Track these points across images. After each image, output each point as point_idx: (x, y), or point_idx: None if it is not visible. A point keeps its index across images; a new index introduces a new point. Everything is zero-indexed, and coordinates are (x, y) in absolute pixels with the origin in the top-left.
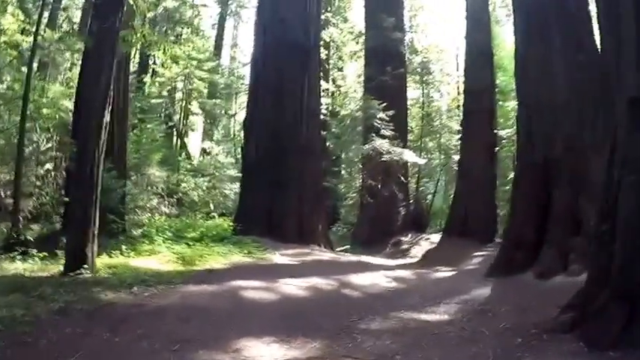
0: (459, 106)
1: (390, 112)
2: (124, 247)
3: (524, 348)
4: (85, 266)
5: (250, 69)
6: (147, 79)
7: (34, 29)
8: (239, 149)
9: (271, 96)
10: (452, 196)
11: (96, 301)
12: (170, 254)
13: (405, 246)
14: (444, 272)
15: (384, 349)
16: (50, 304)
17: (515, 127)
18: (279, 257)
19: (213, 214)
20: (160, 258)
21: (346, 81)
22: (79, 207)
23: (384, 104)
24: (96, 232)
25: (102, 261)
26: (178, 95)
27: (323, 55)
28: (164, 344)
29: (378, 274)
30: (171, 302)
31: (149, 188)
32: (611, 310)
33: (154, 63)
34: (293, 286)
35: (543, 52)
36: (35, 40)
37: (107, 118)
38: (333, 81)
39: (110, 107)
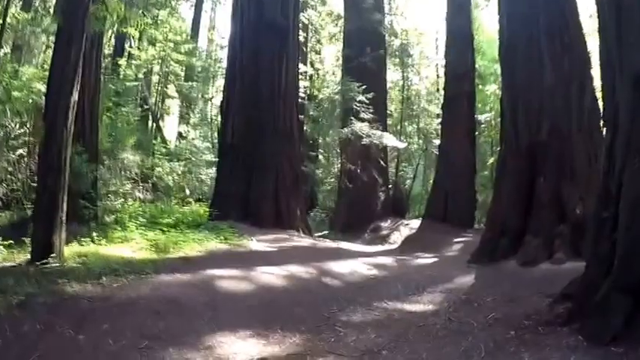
0: (438, 89)
1: (370, 95)
2: (95, 234)
3: (518, 342)
4: (53, 255)
5: (228, 51)
6: (122, 61)
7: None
8: (216, 134)
9: (248, 78)
10: (431, 181)
11: (60, 293)
12: (143, 241)
13: (384, 232)
14: (425, 259)
15: (369, 344)
16: (10, 298)
17: (494, 112)
18: (256, 243)
19: (189, 199)
20: (132, 245)
21: (324, 64)
22: (45, 192)
23: (364, 87)
24: (64, 219)
25: (71, 249)
26: (155, 78)
27: (301, 38)
28: (132, 341)
29: (358, 262)
30: (141, 294)
31: (123, 173)
32: (612, 302)
33: (130, 46)
34: (271, 275)
35: (529, 35)
36: (4, 21)
37: (75, 97)
38: (311, 64)
39: (79, 86)
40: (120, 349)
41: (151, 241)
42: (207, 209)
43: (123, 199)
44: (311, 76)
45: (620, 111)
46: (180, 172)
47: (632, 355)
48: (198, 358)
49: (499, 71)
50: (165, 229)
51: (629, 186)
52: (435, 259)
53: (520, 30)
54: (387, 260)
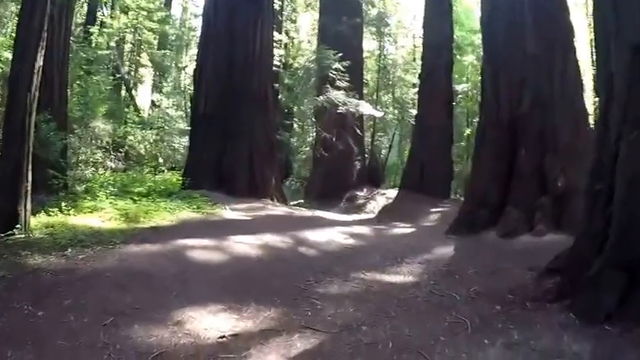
0: (415, 59)
1: (346, 63)
2: (64, 204)
3: (504, 317)
4: (18, 226)
5: (202, 17)
6: (94, 29)
7: None
8: (189, 102)
9: (222, 44)
10: (407, 151)
11: (22, 266)
12: (113, 211)
13: (360, 201)
14: (402, 228)
15: (348, 319)
16: None
17: (471, 83)
18: (229, 212)
19: (162, 168)
20: (102, 215)
21: (300, 33)
22: (9, 160)
23: (340, 55)
24: (29, 188)
25: (38, 220)
26: (128, 47)
27: (276, 6)
28: (95, 317)
29: (335, 231)
30: (107, 266)
31: (94, 142)
32: (606, 279)
33: (102, 14)
34: (244, 245)
35: (511, 3)
36: None
37: (40, 62)
38: (287, 33)
39: (44, 52)
40: (81, 327)
41: (121, 211)
42: (181, 178)
43: (94, 169)
44: (286, 45)
45: (615, 80)
46: (152, 141)
47: (627, 335)
48: (166, 335)
49: (477, 42)
50: (136, 198)
51: (627, 157)
52: (413, 229)
53: None
54: (364, 229)
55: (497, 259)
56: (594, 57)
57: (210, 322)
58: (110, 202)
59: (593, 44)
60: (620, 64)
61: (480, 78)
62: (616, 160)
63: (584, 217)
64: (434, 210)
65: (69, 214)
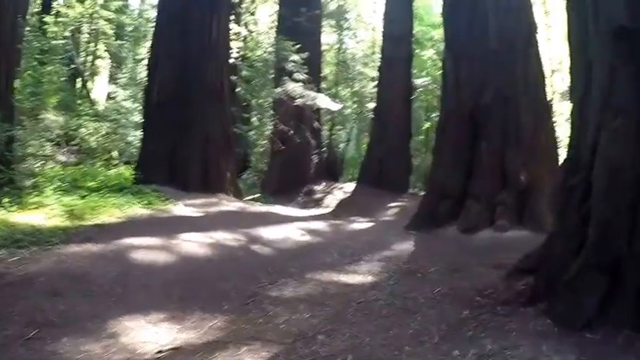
0: (374, 52)
1: (304, 55)
2: (6, 200)
3: (475, 323)
4: None
5: (157, 6)
6: (48, 18)
7: None
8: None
9: (177, 34)
10: (365, 145)
11: None
12: (59, 207)
13: (317, 195)
14: (360, 223)
15: (303, 326)
16: None
17: (431, 78)
18: (181, 208)
19: (116, 162)
20: (47, 212)
21: (259, 26)
22: None
23: (298, 46)
24: None
25: None
26: (84, 38)
27: None
28: (18, 330)
29: (291, 227)
30: (42, 269)
31: (43, 134)
32: (586, 281)
33: (58, 3)
34: (194, 243)
35: None
36: None
37: None
38: (245, 25)
39: None
40: (0, 341)
41: (67, 207)
42: (134, 172)
43: (43, 162)
44: (245, 38)
45: (594, 67)
46: (104, 133)
47: (611, 343)
48: (97, 350)
49: (437, 37)
50: (85, 193)
51: (608, 149)
52: (371, 224)
53: None
54: (321, 225)
55: (460, 256)
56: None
57: (149, 334)
58: (57, 198)
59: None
60: (600, 51)
61: (439, 72)
62: (594, 152)
63: (558, 214)
64: (392, 204)
65: (10, 211)
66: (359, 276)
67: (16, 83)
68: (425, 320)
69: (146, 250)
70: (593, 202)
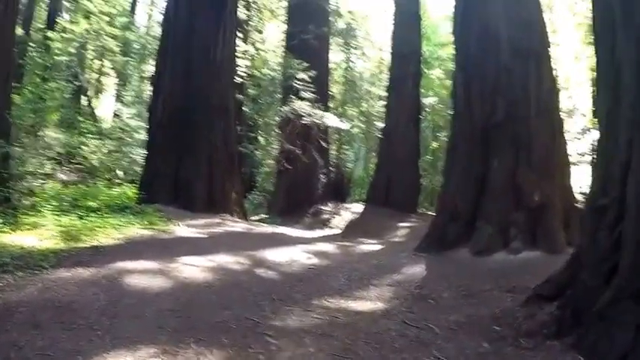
0: (381, 71)
1: (312, 73)
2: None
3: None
4: None
5: (162, 20)
6: (52, 34)
7: None
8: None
9: (181, 50)
10: (372, 165)
11: None
12: (55, 228)
13: (325, 216)
14: (369, 245)
15: None
16: None
17: (439, 98)
18: (184, 229)
19: (118, 180)
20: (42, 233)
21: (266, 45)
22: None
23: (306, 65)
24: None
25: None
26: (90, 54)
27: (243, 16)
28: None
29: (297, 249)
30: (24, 297)
31: (43, 152)
32: (619, 312)
33: (63, 19)
34: (193, 267)
35: (484, 10)
36: None
37: None
38: (253, 44)
39: None
40: None
41: (63, 228)
42: (137, 191)
43: (43, 181)
44: (252, 57)
45: (622, 76)
46: (106, 151)
47: None
48: None
49: (444, 56)
50: (83, 213)
51: None
52: (380, 246)
53: (475, 5)
54: (329, 247)
55: (473, 280)
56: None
57: None
58: (54, 218)
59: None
60: (629, 56)
61: (447, 91)
62: (627, 169)
63: (586, 237)
64: (401, 225)
65: (3, 232)
66: (368, 302)
67: (17, 99)
68: (442, 354)
69: (141, 274)
70: (627, 223)
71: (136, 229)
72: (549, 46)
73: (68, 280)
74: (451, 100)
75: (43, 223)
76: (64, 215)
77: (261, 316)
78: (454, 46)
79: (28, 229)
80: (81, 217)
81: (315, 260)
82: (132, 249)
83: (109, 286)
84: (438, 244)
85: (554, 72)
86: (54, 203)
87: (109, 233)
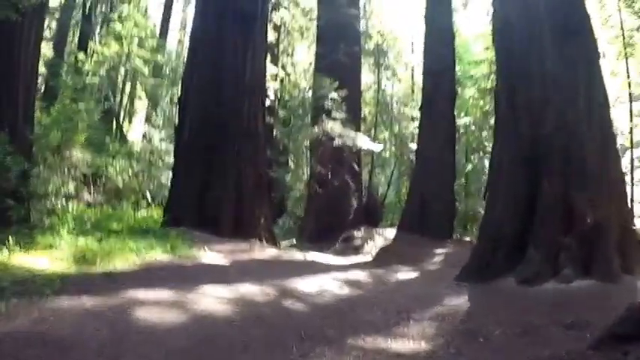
0: (413, 90)
1: (343, 93)
2: (12, 239)
3: None
4: None
5: (189, 41)
6: (81, 56)
7: None
8: None
9: (209, 70)
10: (404, 189)
11: None
12: (70, 249)
13: (357, 242)
14: (404, 273)
15: None
16: None
17: (473, 117)
18: (208, 254)
19: (146, 202)
20: (55, 254)
21: (296, 69)
22: None
23: (337, 83)
24: None
25: None
26: (120, 77)
27: (272, 39)
28: None
29: (329, 277)
30: (12, 329)
31: (69, 172)
32: None
33: (94, 42)
34: (214, 299)
35: (526, 15)
36: None
37: None
38: (283, 67)
39: None
40: None
41: (78, 250)
42: (162, 214)
43: (65, 201)
44: (282, 80)
45: None
46: (130, 173)
47: None
48: None
49: (477, 75)
50: (103, 235)
51: None
52: (416, 274)
53: (517, 10)
54: (362, 275)
55: (524, 314)
56: None
57: None
58: (71, 240)
59: None
60: None
61: (481, 112)
62: None
63: None
64: (437, 251)
65: (14, 252)
66: (410, 341)
67: (43, 119)
68: None
69: (153, 306)
70: None
71: (156, 254)
72: (599, 55)
73: (68, 310)
74: (494, 112)
75: (59, 244)
76: (83, 237)
77: (287, 359)
78: (495, 54)
79: (42, 250)
80: (100, 240)
81: (347, 290)
82: (148, 276)
83: (113, 320)
84: (481, 272)
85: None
86: (74, 224)
87: (127, 257)
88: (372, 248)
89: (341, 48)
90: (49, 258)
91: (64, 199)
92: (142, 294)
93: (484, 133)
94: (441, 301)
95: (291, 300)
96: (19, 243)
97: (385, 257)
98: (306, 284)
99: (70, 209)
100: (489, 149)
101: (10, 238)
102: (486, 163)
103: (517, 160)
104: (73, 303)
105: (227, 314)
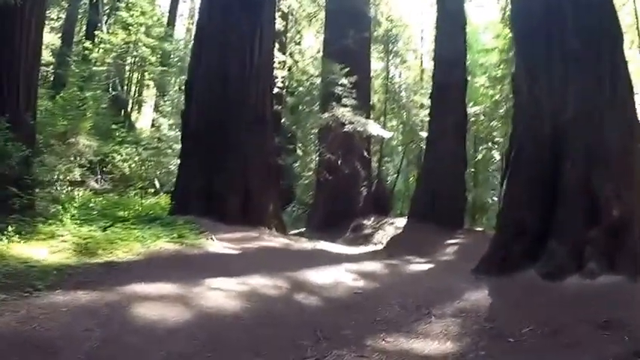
0: (422, 78)
1: (353, 79)
2: (12, 227)
3: None
4: None
5: (195, 27)
6: (88, 44)
7: None
8: None
9: (215, 56)
10: (412, 178)
11: None
12: (72, 238)
13: (367, 231)
14: (418, 264)
15: None
16: None
17: (484, 106)
18: (215, 243)
19: (153, 190)
20: (56, 244)
21: (304, 56)
22: None
23: (347, 69)
24: None
25: None
26: (128, 65)
27: (280, 27)
28: None
29: (341, 269)
30: None
31: (74, 159)
32: None
33: (101, 30)
34: (221, 293)
35: None
36: None
37: None
38: (291, 55)
39: None
40: None
41: (81, 239)
42: (170, 202)
43: (70, 188)
44: (290, 68)
45: None
46: (138, 160)
47: None
48: None
49: (487, 63)
50: (108, 223)
51: None
52: (430, 265)
53: None
54: (376, 266)
55: (551, 311)
56: None
57: None
58: (74, 228)
59: None
60: None
61: (490, 101)
62: None
63: None
64: (449, 242)
65: (13, 241)
66: (434, 341)
67: (49, 106)
68: None
69: (155, 301)
70: None
71: (162, 243)
72: (622, 33)
73: (61, 306)
74: (513, 97)
75: (61, 232)
76: (87, 225)
77: None
78: (512, 34)
79: (43, 240)
80: (104, 228)
81: (361, 282)
82: (152, 267)
83: (109, 318)
84: (500, 265)
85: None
86: (79, 212)
87: (131, 247)
88: (382, 237)
89: (350, 34)
90: (49, 248)
91: (69, 186)
92: (143, 288)
93: (493, 123)
94: (460, 295)
95: (303, 294)
96: (20, 232)
97: (396, 247)
98: (319, 276)
99: (76, 197)
100: (498, 139)
101: (10, 226)
102: (494, 153)
103: (538, 148)
104: (67, 298)
105: (235, 311)
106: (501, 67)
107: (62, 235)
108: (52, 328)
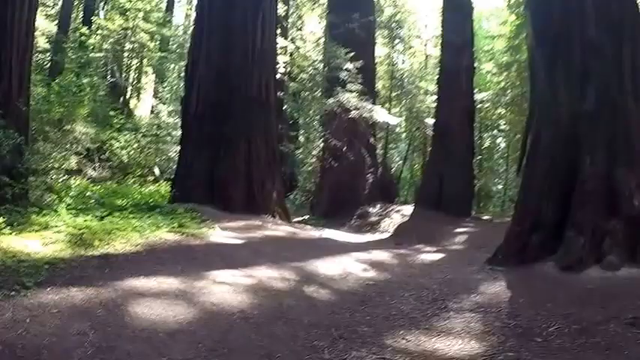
0: (426, 65)
1: (358, 64)
2: (3, 218)
3: None
4: None
5: (196, 9)
6: (84, 30)
7: None
8: None
9: (217, 39)
10: (417, 165)
11: None
12: (68, 229)
13: (373, 218)
14: (428, 253)
15: None
16: None
17: (491, 92)
18: (218, 233)
19: (152, 177)
20: (49, 236)
21: (306, 42)
22: None
23: (352, 53)
24: None
25: None
26: (127, 52)
27: (281, 12)
28: None
29: (350, 259)
30: None
31: (70, 146)
32: None
33: (99, 17)
34: (226, 287)
35: None
36: None
37: None
38: (293, 40)
39: None
40: None
41: (76, 230)
42: (170, 190)
43: (67, 177)
44: (292, 54)
45: None
46: (135, 147)
47: None
48: None
49: (495, 48)
50: (105, 213)
51: None
52: (441, 255)
53: None
54: (384, 256)
55: (574, 306)
56: None
57: None
58: (70, 218)
59: None
60: None
61: (496, 88)
62: None
63: None
64: (458, 230)
65: (4, 233)
66: (458, 340)
67: (44, 93)
68: None
69: (155, 298)
70: None
71: (162, 233)
72: None
73: (51, 307)
74: (530, 84)
75: (56, 223)
76: (83, 215)
77: None
78: (529, 18)
79: (36, 231)
80: (101, 218)
81: (372, 273)
82: (151, 259)
83: (104, 319)
84: (517, 256)
85: None
86: (75, 201)
87: (129, 238)
88: (389, 225)
89: (354, 18)
90: (41, 240)
91: (65, 175)
92: (142, 283)
93: (499, 110)
94: (477, 287)
95: (313, 286)
96: (12, 223)
97: (404, 235)
98: (328, 267)
99: (72, 185)
100: (504, 126)
101: (0, 217)
102: (499, 140)
103: (556, 136)
104: (58, 297)
105: (243, 307)
106: (507, 53)
107: (56, 226)
108: (39, 333)
